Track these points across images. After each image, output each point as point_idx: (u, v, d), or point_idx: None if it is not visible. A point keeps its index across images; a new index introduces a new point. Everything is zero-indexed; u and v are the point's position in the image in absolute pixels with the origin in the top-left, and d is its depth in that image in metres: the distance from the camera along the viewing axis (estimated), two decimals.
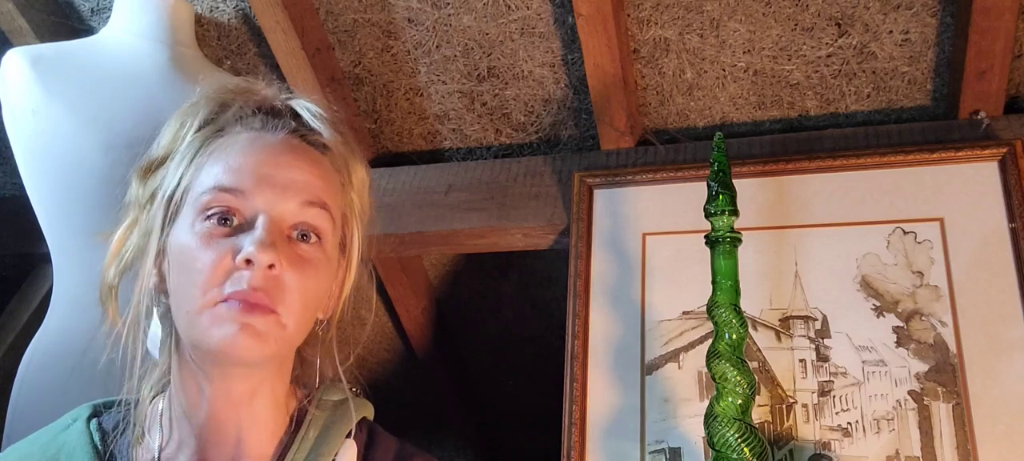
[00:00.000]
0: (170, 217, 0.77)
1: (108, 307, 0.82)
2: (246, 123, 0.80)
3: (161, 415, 0.81)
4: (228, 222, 0.74)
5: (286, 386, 0.84)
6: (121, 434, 0.81)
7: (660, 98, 1.38)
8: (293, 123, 0.82)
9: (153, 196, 0.79)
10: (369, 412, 0.89)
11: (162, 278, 0.78)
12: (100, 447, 0.80)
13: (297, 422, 0.84)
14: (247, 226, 0.74)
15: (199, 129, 0.80)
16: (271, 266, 0.73)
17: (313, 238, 0.77)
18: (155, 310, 0.80)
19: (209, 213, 0.74)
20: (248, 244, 0.72)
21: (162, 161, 0.80)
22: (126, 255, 0.81)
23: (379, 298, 1.88)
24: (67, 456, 0.79)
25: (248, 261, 0.72)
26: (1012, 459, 1.00)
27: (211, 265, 0.72)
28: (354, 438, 0.84)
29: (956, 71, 1.21)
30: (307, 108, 0.83)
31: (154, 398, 0.83)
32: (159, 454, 0.80)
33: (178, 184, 0.77)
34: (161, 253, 0.78)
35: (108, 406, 0.84)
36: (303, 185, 0.77)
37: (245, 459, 0.80)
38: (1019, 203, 1.10)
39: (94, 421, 0.83)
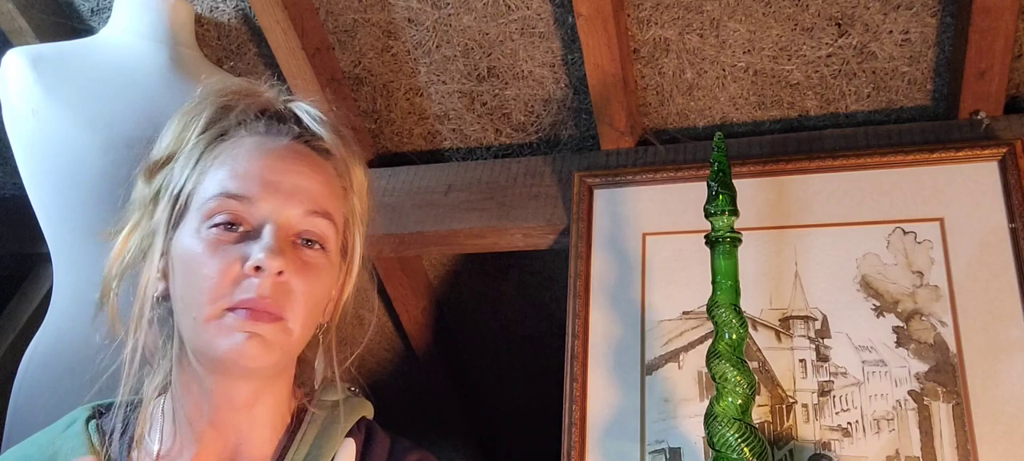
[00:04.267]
0: (174, 220, 0.77)
1: (107, 307, 0.81)
2: (250, 127, 0.80)
3: (162, 417, 0.81)
4: (234, 228, 0.74)
5: (289, 389, 0.84)
6: (120, 436, 0.81)
7: (660, 98, 1.38)
8: (297, 128, 0.82)
9: (157, 197, 0.79)
10: (368, 411, 0.89)
11: (164, 281, 0.78)
12: (99, 449, 0.80)
13: (296, 422, 0.84)
14: (254, 233, 0.74)
15: (203, 131, 0.79)
16: (280, 273, 0.73)
17: (317, 245, 0.78)
18: (156, 310, 0.80)
19: (215, 219, 0.74)
20: (257, 251, 0.72)
21: (166, 161, 0.80)
22: (128, 256, 0.80)
23: (379, 298, 1.88)
24: (65, 458, 0.79)
25: (258, 268, 0.72)
26: (1012, 459, 1.00)
27: (219, 272, 0.72)
28: (353, 437, 0.85)
29: (956, 71, 1.21)
30: (308, 112, 0.83)
31: (155, 400, 0.83)
32: (157, 456, 0.80)
33: (183, 186, 0.77)
34: (165, 256, 0.78)
35: (107, 408, 0.84)
36: (307, 193, 0.77)
37: (245, 459, 0.80)
38: (1019, 203, 1.10)
39: (93, 423, 0.83)
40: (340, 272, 0.84)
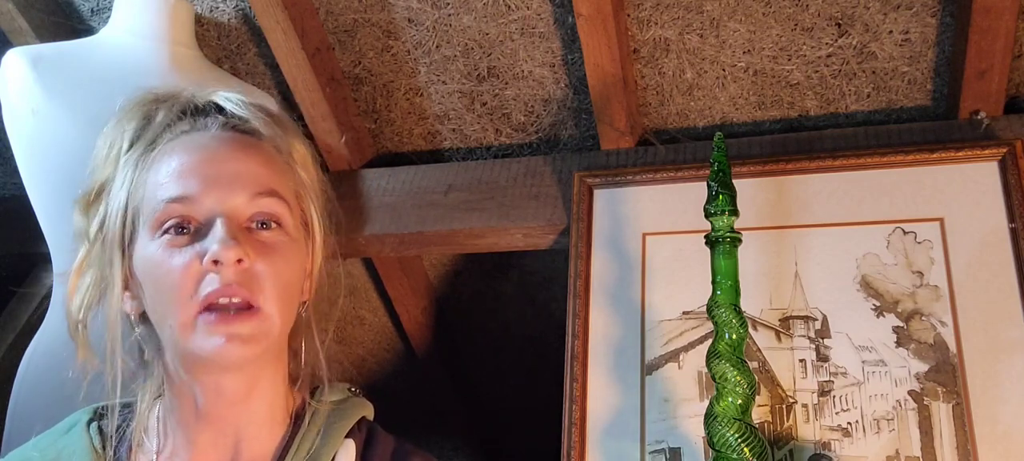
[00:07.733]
0: (127, 242, 0.77)
1: (78, 341, 0.81)
2: (174, 128, 0.80)
3: (159, 421, 0.82)
4: (185, 230, 0.74)
5: (284, 381, 0.84)
6: (121, 438, 0.81)
7: (660, 98, 1.38)
8: (221, 116, 0.81)
9: (102, 226, 0.78)
10: (368, 412, 0.89)
11: (136, 299, 0.78)
12: (100, 451, 0.80)
13: (296, 421, 0.84)
14: (205, 229, 0.74)
15: (131, 148, 0.79)
16: (239, 261, 0.73)
17: (272, 225, 0.78)
18: (135, 330, 0.80)
19: (165, 227, 0.74)
20: (212, 245, 0.72)
21: (101, 189, 0.79)
22: (87, 289, 0.80)
23: (379, 298, 1.88)
24: (67, 460, 0.80)
25: (216, 261, 0.72)
26: (1012, 459, 1.00)
27: (181, 273, 0.73)
28: (353, 437, 0.85)
29: (956, 71, 1.21)
30: (229, 99, 0.82)
31: (152, 403, 0.83)
32: (156, 458, 0.80)
33: (126, 208, 0.77)
34: (128, 278, 0.77)
35: (108, 409, 0.84)
36: (249, 177, 0.77)
37: (245, 458, 0.80)
38: (1019, 203, 1.10)
39: (94, 425, 0.83)
40: (306, 246, 0.83)
